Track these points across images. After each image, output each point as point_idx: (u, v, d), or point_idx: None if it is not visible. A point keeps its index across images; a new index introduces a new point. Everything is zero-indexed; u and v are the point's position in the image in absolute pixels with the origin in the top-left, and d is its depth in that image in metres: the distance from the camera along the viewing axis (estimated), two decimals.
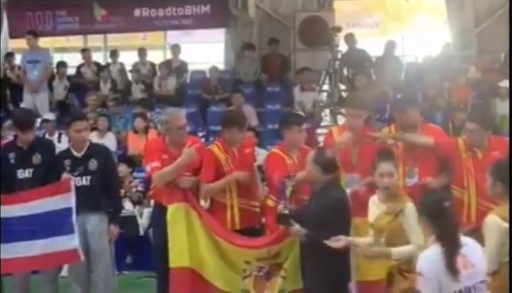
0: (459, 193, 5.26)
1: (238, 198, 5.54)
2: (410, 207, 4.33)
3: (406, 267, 4.31)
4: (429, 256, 3.36)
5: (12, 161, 5.73)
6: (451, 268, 3.24)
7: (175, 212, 5.31)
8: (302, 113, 9.05)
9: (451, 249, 3.26)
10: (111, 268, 5.76)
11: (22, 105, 11.06)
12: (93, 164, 5.66)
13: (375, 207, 4.56)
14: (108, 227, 5.69)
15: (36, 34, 11.00)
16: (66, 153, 5.80)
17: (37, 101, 10.65)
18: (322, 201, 4.65)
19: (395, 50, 12.30)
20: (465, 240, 3.43)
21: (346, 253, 4.69)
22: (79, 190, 5.51)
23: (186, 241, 5.29)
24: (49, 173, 5.62)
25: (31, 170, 5.69)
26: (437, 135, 5.53)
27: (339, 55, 11.66)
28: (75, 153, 5.70)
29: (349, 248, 4.71)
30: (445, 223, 3.34)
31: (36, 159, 5.71)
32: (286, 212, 4.80)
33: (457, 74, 10.99)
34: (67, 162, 5.65)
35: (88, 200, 5.52)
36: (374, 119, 9.93)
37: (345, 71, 11.92)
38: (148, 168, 5.61)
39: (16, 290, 5.79)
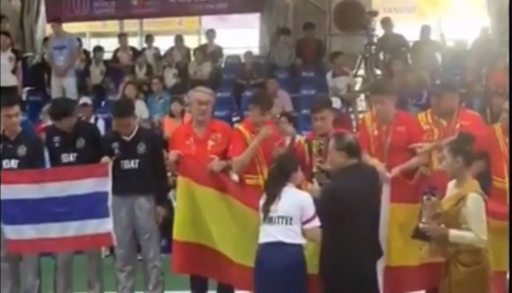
0: (500, 183, 5.17)
1: None
2: (472, 197, 4.32)
3: (464, 258, 4.30)
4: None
5: (57, 145, 5.79)
6: (264, 205, 4.85)
7: (180, 185, 5.47)
8: (337, 98, 8.99)
9: (268, 194, 4.85)
10: (159, 248, 5.88)
11: (51, 88, 11.21)
12: (141, 148, 5.71)
13: (449, 191, 4.52)
14: (155, 209, 5.77)
15: (60, 20, 11.29)
16: (114, 136, 5.84)
17: (64, 85, 10.84)
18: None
19: (432, 35, 12.12)
20: (286, 189, 4.79)
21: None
22: (127, 172, 5.63)
23: (191, 215, 5.40)
24: (93, 157, 5.64)
25: (75, 154, 5.73)
26: (474, 122, 5.45)
27: (375, 40, 11.53)
28: (124, 137, 5.74)
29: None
30: (269, 178, 4.98)
31: (80, 143, 5.76)
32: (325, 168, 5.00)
33: (496, 59, 10.78)
34: (115, 145, 5.70)
35: (136, 183, 5.63)
36: (410, 105, 9.85)
37: (381, 56, 11.80)
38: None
39: (58, 270, 5.86)
